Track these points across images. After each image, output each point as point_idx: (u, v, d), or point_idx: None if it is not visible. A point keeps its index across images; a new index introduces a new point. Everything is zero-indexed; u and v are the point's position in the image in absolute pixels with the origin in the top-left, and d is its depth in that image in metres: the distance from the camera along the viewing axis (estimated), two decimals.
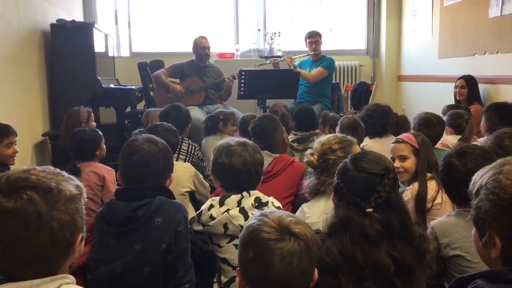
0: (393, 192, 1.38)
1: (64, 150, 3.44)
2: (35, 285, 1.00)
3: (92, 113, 3.61)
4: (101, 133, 2.94)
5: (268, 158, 2.56)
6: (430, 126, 2.89)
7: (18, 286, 1.00)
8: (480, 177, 1.06)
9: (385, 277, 1.29)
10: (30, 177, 1.03)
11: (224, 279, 1.76)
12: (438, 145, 3.06)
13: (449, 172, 1.76)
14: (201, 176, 2.74)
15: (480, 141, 2.86)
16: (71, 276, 1.07)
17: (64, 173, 1.11)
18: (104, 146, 2.94)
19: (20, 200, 1.00)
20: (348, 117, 3.10)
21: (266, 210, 1.45)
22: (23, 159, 3.74)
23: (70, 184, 1.08)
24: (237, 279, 1.69)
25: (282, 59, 5.29)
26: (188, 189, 2.59)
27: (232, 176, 1.84)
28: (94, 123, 3.64)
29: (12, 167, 2.87)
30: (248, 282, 1.16)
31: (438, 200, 2.12)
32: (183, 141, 3.08)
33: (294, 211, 2.17)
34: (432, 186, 2.16)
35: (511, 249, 0.99)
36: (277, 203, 1.88)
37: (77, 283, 1.08)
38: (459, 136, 3.18)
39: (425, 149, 2.26)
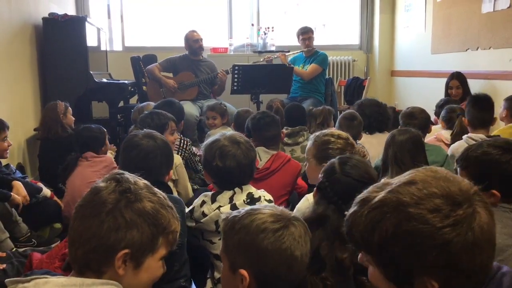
0: None
1: (45, 143, 3.54)
2: (86, 284, 0.98)
3: (69, 107, 3.65)
4: (105, 130, 3.03)
5: (265, 155, 2.54)
6: (412, 119, 2.89)
7: (70, 280, 0.98)
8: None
9: (343, 275, 1.36)
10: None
11: (217, 275, 1.75)
12: (431, 140, 3.06)
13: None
14: (185, 171, 2.73)
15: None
16: (121, 286, 1.03)
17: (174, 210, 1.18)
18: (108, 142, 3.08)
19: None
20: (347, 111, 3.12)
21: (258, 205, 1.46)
22: (17, 154, 3.72)
23: (175, 219, 1.16)
24: None
25: (276, 56, 5.28)
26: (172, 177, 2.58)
27: (226, 177, 1.82)
28: (72, 117, 3.67)
29: (3, 161, 2.87)
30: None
31: None
32: None
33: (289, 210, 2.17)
34: None
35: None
36: (268, 196, 1.87)
37: None
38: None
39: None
